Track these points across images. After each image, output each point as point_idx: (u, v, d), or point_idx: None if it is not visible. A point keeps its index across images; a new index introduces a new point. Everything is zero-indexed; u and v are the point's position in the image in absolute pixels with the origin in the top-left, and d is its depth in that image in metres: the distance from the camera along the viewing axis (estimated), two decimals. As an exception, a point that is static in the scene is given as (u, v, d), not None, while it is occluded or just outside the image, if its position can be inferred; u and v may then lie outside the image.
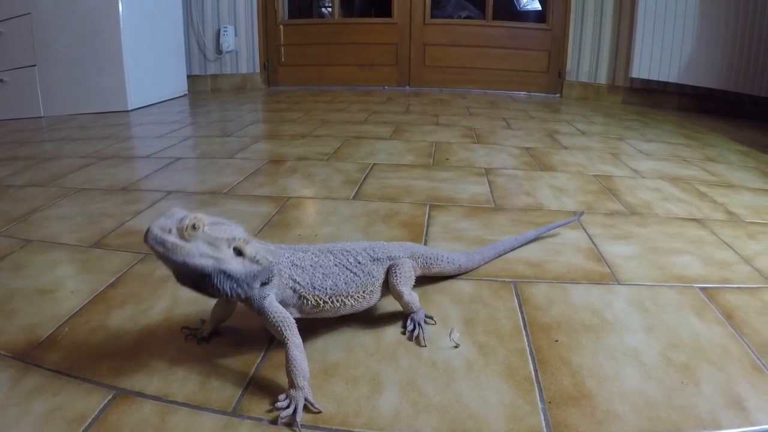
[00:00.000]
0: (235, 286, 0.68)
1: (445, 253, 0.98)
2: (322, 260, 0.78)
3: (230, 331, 0.84)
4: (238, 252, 0.68)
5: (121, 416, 0.65)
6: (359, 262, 0.82)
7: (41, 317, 0.88)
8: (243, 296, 0.69)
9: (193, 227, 0.64)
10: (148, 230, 0.63)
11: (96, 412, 0.66)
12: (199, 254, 0.65)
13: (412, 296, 0.85)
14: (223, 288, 0.67)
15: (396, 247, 0.89)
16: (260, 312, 0.71)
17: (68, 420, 0.64)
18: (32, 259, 1.10)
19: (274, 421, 0.64)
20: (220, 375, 0.73)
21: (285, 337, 0.69)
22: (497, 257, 1.09)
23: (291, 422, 0.64)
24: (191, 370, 0.74)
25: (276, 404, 0.66)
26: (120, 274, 1.03)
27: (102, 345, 0.80)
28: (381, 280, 0.84)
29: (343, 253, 0.81)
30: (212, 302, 0.81)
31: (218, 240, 0.66)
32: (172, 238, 0.64)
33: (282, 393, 0.68)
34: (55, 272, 1.04)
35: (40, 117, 3.05)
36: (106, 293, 0.96)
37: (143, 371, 0.74)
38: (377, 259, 0.84)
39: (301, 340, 0.69)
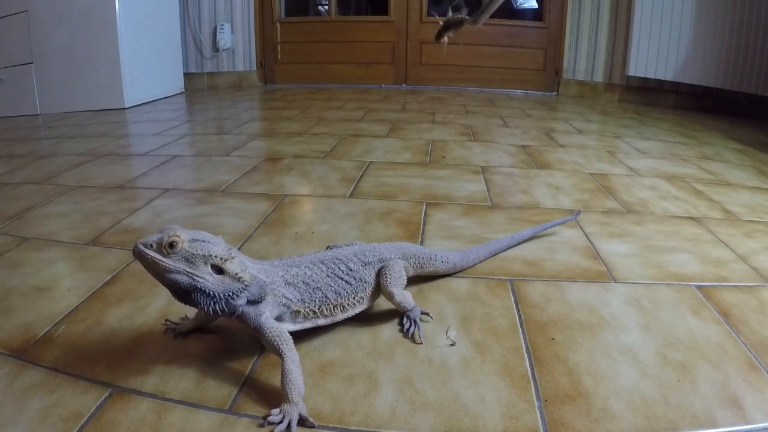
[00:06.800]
0: (212, 303, 0.69)
1: (440, 252, 0.99)
2: (315, 273, 0.79)
3: (226, 331, 0.84)
4: (219, 270, 0.69)
5: (117, 414, 0.65)
6: (350, 269, 0.83)
7: (37, 315, 0.88)
8: (227, 313, 0.71)
9: (171, 245, 0.66)
10: (135, 245, 0.67)
11: (92, 410, 0.66)
12: (175, 270, 0.67)
13: (403, 296, 0.85)
14: (202, 304, 0.69)
15: (387, 248, 0.90)
16: (257, 329, 0.72)
17: (64, 418, 0.64)
18: (28, 256, 1.10)
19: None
20: (216, 373, 0.73)
21: (282, 352, 0.69)
22: (493, 256, 1.09)
23: None
24: (187, 368, 0.74)
25: (269, 418, 0.64)
26: (116, 271, 1.03)
27: (98, 343, 0.80)
28: (373, 284, 0.85)
29: (334, 262, 0.82)
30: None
31: (195, 257, 0.68)
32: (152, 253, 0.66)
33: (276, 407, 0.66)
34: (51, 270, 1.04)
35: (37, 115, 3.04)
36: (103, 291, 0.95)
37: (139, 369, 0.74)
38: (368, 263, 0.85)
39: (297, 355, 0.69)
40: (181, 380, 0.72)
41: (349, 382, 0.72)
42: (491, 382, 0.72)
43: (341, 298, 0.80)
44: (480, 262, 1.07)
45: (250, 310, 0.72)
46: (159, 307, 0.90)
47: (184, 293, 0.69)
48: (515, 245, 1.14)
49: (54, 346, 0.79)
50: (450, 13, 1.16)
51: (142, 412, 0.66)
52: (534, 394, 0.69)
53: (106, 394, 0.69)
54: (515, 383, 0.72)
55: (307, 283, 0.78)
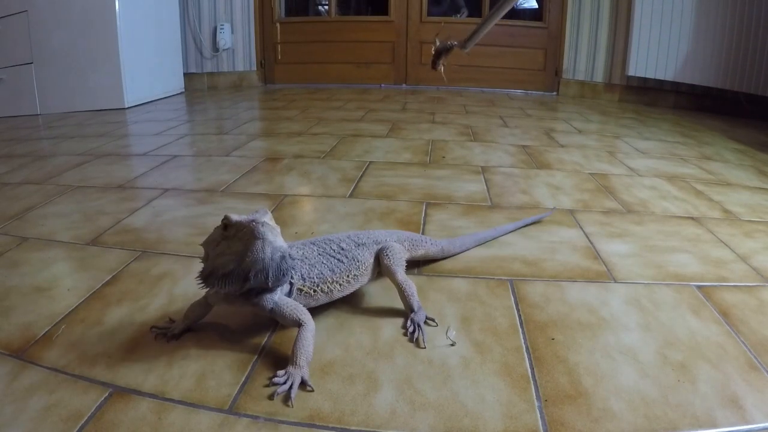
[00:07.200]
0: (292, 265, 0.75)
1: (428, 237, 1.04)
2: (307, 252, 0.84)
3: (224, 330, 0.84)
4: None
5: (117, 414, 0.65)
6: (342, 248, 0.87)
7: (37, 315, 0.88)
8: (279, 283, 0.75)
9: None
10: (255, 222, 0.69)
11: (92, 410, 0.66)
12: (281, 239, 0.73)
13: (408, 284, 0.87)
14: (288, 268, 0.74)
15: (381, 233, 0.95)
16: (273, 309, 0.75)
17: (64, 418, 0.64)
18: (28, 256, 1.10)
19: (270, 397, 0.67)
20: (216, 373, 0.73)
21: (302, 321, 0.74)
22: (477, 245, 1.14)
23: (286, 399, 0.67)
24: (187, 368, 0.74)
25: (274, 379, 0.70)
26: (116, 271, 1.03)
27: (98, 343, 0.80)
28: (368, 264, 0.89)
29: (326, 242, 0.87)
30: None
31: (277, 229, 0.73)
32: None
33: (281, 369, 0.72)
34: (51, 270, 1.04)
35: (37, 115, 3.04)
36: (103, 291, 0.95)
37: (140, 369, 0.74)
38: (362, 244, 0.90)
39: (314, 325, 0.75)
40: (181, 380, 0.72)
41: (349, 382, 0.72)
42: (491, 382, 0.72)
43: (336, 275, 0.84)
44: (466, 249, 1.11)
45: (266, 293, 0.76)
46: (159, 306, 0.90)
47: (282, 260, 0.72)
48: (498, 237, 1.18)
49: (54, 346, 0.79)
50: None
51: (142, 412, 0.66)
52: (534, 394, 0.69)
53: (106, 393, 0.69)
54: (515, 383, 0.72)
55: (302, 260, 0.82)
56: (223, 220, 0.72)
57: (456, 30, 4.02)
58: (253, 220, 0.69)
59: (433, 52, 1.16)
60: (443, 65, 1.17)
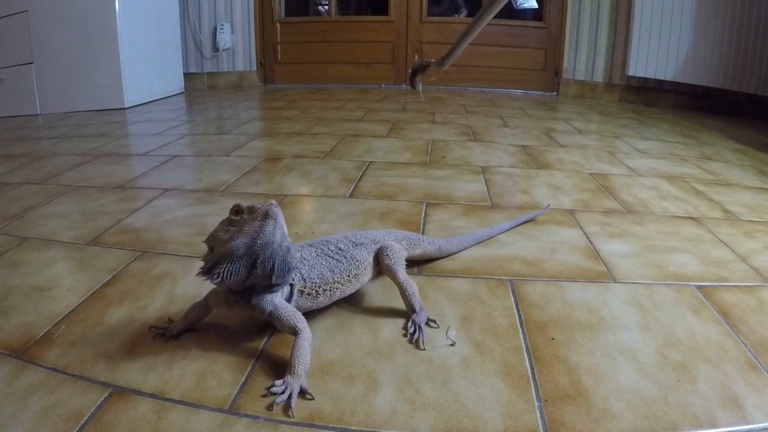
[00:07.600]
0: (294, 262, 0.76)
1: (425, 236, 1.05)
2: (305, 254, 0.84)
3: (224, 330, 0.84)
4: None
5: (117, 414, 0.65)
6: (340, 249, 0.87)
7: (38, 315, 0.88)
8: (289, 279, 0.75)
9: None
10: (269, 203, 0.70)
11: (92, 410, 0.66)
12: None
13: (410, 283, 0.88)
14: (292, 262, 0.74)
15: (379, 232, 0.96)
16: (272, 313, 0.75)
17: (64, 417, 0.64)
18: (28, 256, 1.10)
19: (269, 407, 0.67)
20: (216, 373, 0.73)
21: (298, 329, 0.73)
22: (475, 244, 1.14)
23: (286, 408, 0.66)
24: (187, 368, 0.74)
25: (272, 389, 0.69)
26: (116, 271, 1.03)
27: (98, 343, 0.80)
28: (367, 263, 0.89)
29: (323, 243, 0.87)
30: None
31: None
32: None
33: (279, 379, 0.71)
34: (51, 270, 1.04)
35: (37, 115, 3.04)
36: (103, 291, 0.95)
37: (139, 369, 0.74)
38: (360, 244, 0.90)
39: (311, 334, 0.74)
40: (181, 380, 0.72)
41: (349, 382, 0.72)
42: (491, 382, 0.72)
43: (336, 275, 0.84)
44: (464, 249, 1.12)
45: (266, 295, 0.75)
46: (159, 306, 0.90)
47: (287, 253, 0.73)
48: (494, 236, 1.19)
49: (54, 346, 0.79)
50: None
51: (142, 412, 0.66)
52: (534, 394, 0.69)
53: (106, 393, 0.69)
54: (515, 383, 0.72)
55: (301, 262, 0.82)
56: (233, 207, 0.72)
57: (455, 30, 4.02)
58: (265, 203, 0.70)
59: (410, 71, 1.16)
60: (421, 83, 1.17)
